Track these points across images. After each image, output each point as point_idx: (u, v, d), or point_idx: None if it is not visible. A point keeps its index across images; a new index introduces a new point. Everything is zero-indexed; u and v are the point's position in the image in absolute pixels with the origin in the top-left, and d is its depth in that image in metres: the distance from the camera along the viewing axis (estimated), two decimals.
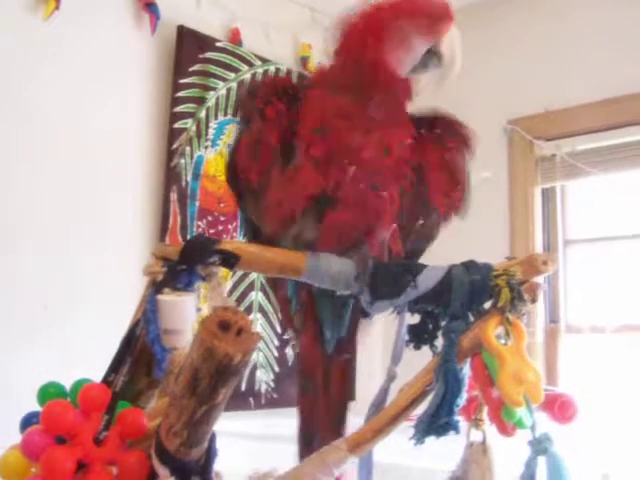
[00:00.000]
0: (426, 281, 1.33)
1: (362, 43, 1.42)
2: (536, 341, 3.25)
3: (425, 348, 1.41)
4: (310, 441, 1.51)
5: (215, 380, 0.99)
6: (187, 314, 1.26)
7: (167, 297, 1.24)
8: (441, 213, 1.53)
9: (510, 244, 3.43)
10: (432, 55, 1.44)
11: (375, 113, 1.41)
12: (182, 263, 1.28)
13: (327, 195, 1.40)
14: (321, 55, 1.57)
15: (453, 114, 1.56)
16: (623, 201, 3.28)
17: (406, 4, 1.44)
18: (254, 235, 1.54)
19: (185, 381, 1.02)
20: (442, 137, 1.53)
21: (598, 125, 3.23)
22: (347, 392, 1.57)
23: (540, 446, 1.24)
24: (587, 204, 3.43)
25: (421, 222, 1.53)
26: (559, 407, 1.88)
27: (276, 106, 1.46)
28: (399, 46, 1.42)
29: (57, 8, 2.78)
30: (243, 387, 3.23)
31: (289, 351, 3.32)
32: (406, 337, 1.38)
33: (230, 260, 1.30)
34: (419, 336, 1.43)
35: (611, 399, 3.10)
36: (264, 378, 3.32)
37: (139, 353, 1.28)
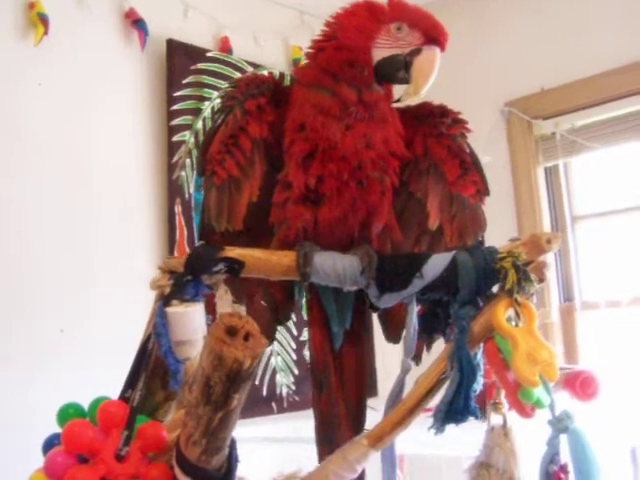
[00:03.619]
0: (432, 270, 1.33)
1: (355, 35, 1.43)
2: (552, 321, 3.23)
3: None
4: (329, 439, 1.51)
5: (228, 386, 1.00)
6: (197, 324, 1.26)
7: (176, 309, 1.25)
8: (472, 202, 1.52)
9: (517, 225, 3.42)
10: (401, 67, 1.44)
11: (357, 108, 1.41)
12: (188, 274, 1.29)
13: (314, 193, 1.40)
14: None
15: (442, 103, 1.56)
16: (627, 173, 3.27)
17: (403, 8, 1.45)
18: (206, 232, 1.48)
19: (199, 390, 1.02)
20: (440, 127, 1.53)
21: (595, 99, 3.22)
22: (362, 386, 1.57)
23: (561, 424, 1.24)
24: (592, 179, 3.42)
25: (456, 215, 1.52)
26: (580, 384, 1.87)
27: (257, 99, 1.47)
28: (386, 46, 1.43)
29: (46, 33, 2.79)
30: (264, 392, 3.24)
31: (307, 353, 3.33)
32: (417, 327, 1.38)
33: (235, 267, 1.31)
34: (430, 326, 1.43)
35: (633, 372, 3.09)
36: (284, 382, 3.33)
37: (154, 367, 1.29)
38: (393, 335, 1.57)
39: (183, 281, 1.29)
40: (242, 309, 1.40)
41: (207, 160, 1.45)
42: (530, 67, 3.44)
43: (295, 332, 3.33)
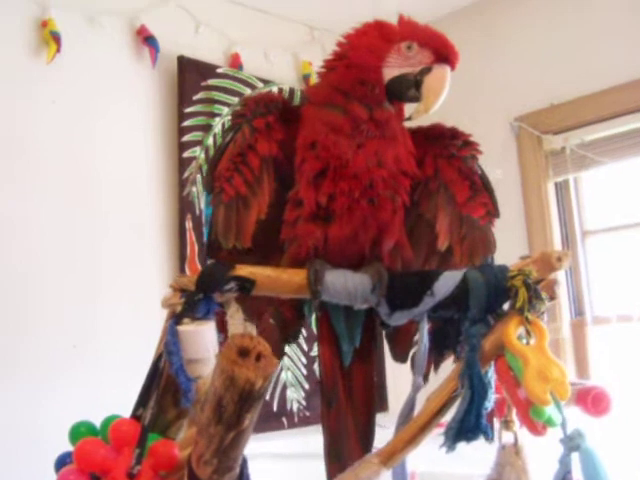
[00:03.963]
0: (443, 288, 1.33)
1: (366, 54, 1.44)
2: (563, 336, 3.22)
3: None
4: (338, 456, 1.51)
5: (240, 406, 1.00)
6: (208, 342, 1.27)
7: (187, 327, 1.25)
8: (481, 223, 1.52)
9: (528, 240, 3.42)
10: (412, 86, 1.45)
11: (369, 126, 1.42)
12: (199, 292, 1.30)
13: (325, 210, 1.40)
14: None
15: (454, 125, 1.57)
16: (638, 188, 3.26)
17: (414, 27, 1.47)
18: (213, 248, 1.48)
19: (210, 410, 1.03)
20: (451, 148, 1.53)
21: (604, 114, 3.21)
22: (371, 403, 1.57)
23: (572, 443, 1.24)
24: (602, 194, 3.41)
25: (466, 237, 1.52)
26: (592, 400, 1.86)
27: (266, 118, 1.48)
28: (397, 65, 1.44)
29: (59, 51, 2.82)
30: (275, 407, 3.24)
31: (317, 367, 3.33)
32: (428, 345, 1.38)
33: (246, 285, 1.31)
34: (441, 343, 1.43)
35: None
36: (295, 397, 3.32)
37: (165, 384, 1.30)
38: (400, 354, 1.57)
39: (194, 299, 1.29)
40: (253, 328, 1.41)
41: (215, 177, 1.46)
42: (539, 82, 3.44)
43: (305, 347, 3.33)
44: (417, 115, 1.46)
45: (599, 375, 3.22)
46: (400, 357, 1.58)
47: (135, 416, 1.27)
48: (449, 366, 1.39)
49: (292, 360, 3.33)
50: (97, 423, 1.30)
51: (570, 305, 3.33)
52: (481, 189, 1.52)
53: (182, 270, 3.04)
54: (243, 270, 1.32)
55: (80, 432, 1.27)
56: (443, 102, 1.46)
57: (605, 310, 3.28)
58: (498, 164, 3.30)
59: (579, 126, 3.29)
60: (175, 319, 1.27)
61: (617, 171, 3.30)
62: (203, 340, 1.26)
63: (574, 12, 3.35)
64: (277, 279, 1.35)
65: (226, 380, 0.98)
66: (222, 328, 1.36)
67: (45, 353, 2.70)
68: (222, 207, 1.44)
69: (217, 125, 3.26)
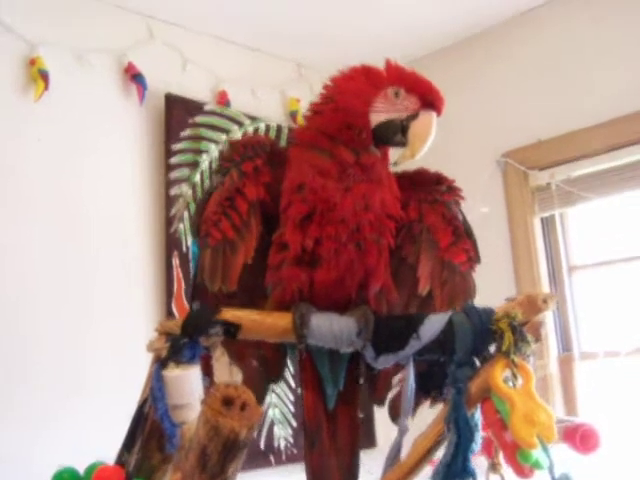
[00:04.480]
0: (429, 331, 1.33)
1: (353, 99, 1.45)
2: (551, 372, 3.22)
3: None
4: None
5: (224, 456, 0.99)
6: (194, 387, 1.26)
7: (172, 372, 1.25)
8: (462, 269, 1.53)
9: (515, 275, 3.42)
10: (398, 131, 1.46)
11: (355, 170, 1.42)
12: (184, 336, 1.29)
13: (311, 254, 1.40)
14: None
15: (438, 170, 1.58)
16: (624, 223, 3.28)
17: (401, 73, 1.48)
18: (199, 291, 1.47)
19: (194, 458, 1.02)
20: (435, 194, 1.55)
21: (590, 150, 3.23)
22: (355, 444, 1.57)
23: None
24: (588, 229, 3.43)
25: (447, 282, 1.52)
26: (581, 438, 1.86)
27: (254, 161, 1.48)
28: (384, 110, 1.45)
29: (46, 89, 2.83)
30: (262, 445, 3.21)
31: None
32: (414, 387, 1.38)
33: (232, 329, 1.31)
34: (427, 386, 1.43)
35: (633, 423, 3.07)
36: (282, 434, 3.30)
37: (150, 429, 1.29)
38: (379, 397, 1.57)
39: (180, 343, 1.29)
40: (239, 371, 1.40)
41: (203, 221, 1.46)
42: (526, 118, 3.47)
43: (293, 384, 3.30)
44: (403, 160, 1.47)
45: (587, 411, 3.21)
46: (378, 400, 1.57)
47: (120, 462, 1.26)
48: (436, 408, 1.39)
49: (279, 397, 3.30)
50: (82, 469, 1.29)
51: (557, 340, 3.32)
52: (463, 235, 1.53)
53: (169, 307, 3.03)
54: (229, 314, 1.32)
55: (63, 479, 1.26)
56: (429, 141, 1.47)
57: (592, 345, 3.28)
58: (484, 199, 3.32)
59: (565, 162, 3.31)
60: (160, 364, 1.26)
61: (603, 206, 3.32)
62: (189, 385, 1.25)
63: (560, 49, 3.38)
64: (262, 323, 1.35)
65: (210, 430, 0.97)
66: (207, 371, 1.35)
67: (31, 398, 2.66)
68: (209, 251, 1.44)
69: (204, 162, 3.26)
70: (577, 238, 3.45)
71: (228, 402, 0.98)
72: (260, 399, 1.53)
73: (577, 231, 3.46)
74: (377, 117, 1.45)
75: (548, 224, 3.47)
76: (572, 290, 3.38)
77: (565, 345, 3.33)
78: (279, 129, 3.54)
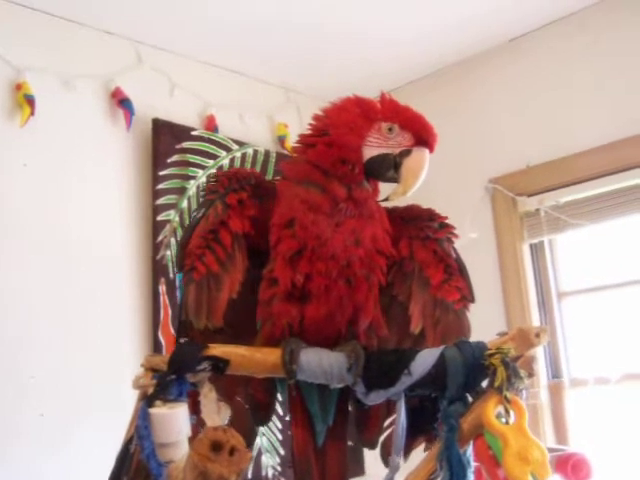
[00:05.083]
0: (420, 367, 1.31)
1: (348, 133, 1.43)
2: (541, 401, 3.20)
3: None
4: None
5: None
6: (181, 425, 1.23)
7: (159, 410, 1.22)
8: (456, 307, 1.50)
9: (504, 301, 3.41)
10: (391, 167, 1.45)
11: (347, 205, 1.41)
12: (171, 373, 1.27)
13: (301, 290, 1.38)
14: (297, 134, 1.56)
15: (430, 208, 1.57)
16: (613, 249, 3.28)
17: (395, 108, 1.47)
18: (184, 327, 1.44)
19: None
20: (427, 230, 1.53)
21: (579, 177, 3.23)
22: (344, 477, 1.54)
23: None
24: (577, 255, 3.42)
25: (440, 320, 1.50)
26: (572, 468, 1.84)
27: (239, 194, 1.46)
28: (377, 145, 1.44)
29: (32, 114, 2.80)
30: (249, 474, 3.16)
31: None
32: (405, 424, 1.35)
33: (220, 365, 1.29)
34: (419, 422, 1.41)
35: (623, 451, 3.05)
36: (270, 463, 3.26)
37: (136, 469, 1.25)
38: (369, 439, 1.54)
39: (167, 380, 1.26)
40: (227, 409, 1.37)
41: (186, 254, 1.43)
42: (515, 145, 3.48)
43: (281, 412, 3.26)
44: (395, 197, 1.45)
45: (577, 438, 3.19)
46: (369, 443, 1.55)
47: None
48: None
49: (267, 425, 3.26)
50: None
51: (547, 367, 3.31)
52: (456, 272, 1.51)
53: (155, 334, 2.99)
54: (216, 350, 1.30)
55: None
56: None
57: (582, 372, 3.27)
58: (473, 225, 3.30)
59: (553, 188, 3.31)
60: (147, 401, 1.23)
61: (592, 232, 3.32)
62: (176, 423, 1.22)
63: (549, 75, 3.39)
64: (251, 358, 1.33)
65: (198, 476, 0.95)
66: (194, 409, 1.32)
67: (11, 423, 2.62)
68: (193, 285, 1.41)
69: (192, 188, 3.24)
70: (566, 264, 3.44)
71: (217, 447, 0.95)
72: (249, 441, 1.50)
73: (566, 257, 3.45)
74: (370, 151, 1.43)
75: (537, 250, 3.46)
76: (561, 316, 3.37)
77: (555, 372, 3.31)
78: (267, 154, 3.53)
